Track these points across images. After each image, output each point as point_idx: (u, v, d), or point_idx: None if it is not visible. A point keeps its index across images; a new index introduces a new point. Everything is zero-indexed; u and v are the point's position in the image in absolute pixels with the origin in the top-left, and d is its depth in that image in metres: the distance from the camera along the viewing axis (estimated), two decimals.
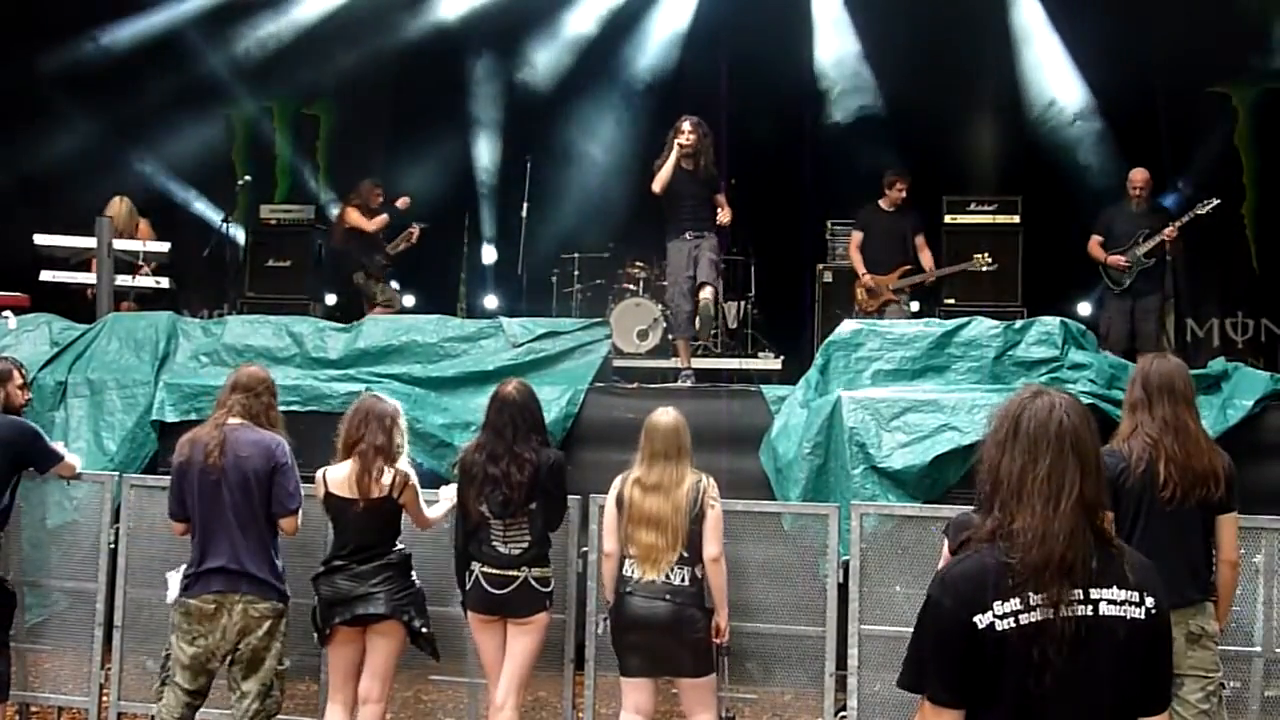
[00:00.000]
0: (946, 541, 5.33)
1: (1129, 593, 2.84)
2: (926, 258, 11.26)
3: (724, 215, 9.73)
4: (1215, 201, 10.29)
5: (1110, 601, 2.83)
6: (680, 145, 9.46)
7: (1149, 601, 2.85)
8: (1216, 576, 5.10)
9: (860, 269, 11.25)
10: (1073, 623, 2.79)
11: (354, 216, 11.97)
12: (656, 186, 9.61)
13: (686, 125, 9.50)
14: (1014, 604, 2.80)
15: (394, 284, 12.41)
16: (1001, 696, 2.82)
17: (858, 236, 11.39)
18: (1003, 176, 13.39)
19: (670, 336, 11.24)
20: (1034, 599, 2.79)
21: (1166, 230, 10.00)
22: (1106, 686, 2.83)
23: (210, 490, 5.74)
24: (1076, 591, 2.80)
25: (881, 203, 11.36)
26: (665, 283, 12.43)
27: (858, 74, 13.36)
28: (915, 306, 12.21)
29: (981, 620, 2.80)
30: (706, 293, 9.59)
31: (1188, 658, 4.96)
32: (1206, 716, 4.98)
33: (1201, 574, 5.05)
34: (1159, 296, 10.37)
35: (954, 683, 2.85)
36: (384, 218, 12.06)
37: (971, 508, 5.35)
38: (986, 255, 11.23)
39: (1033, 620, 2.79)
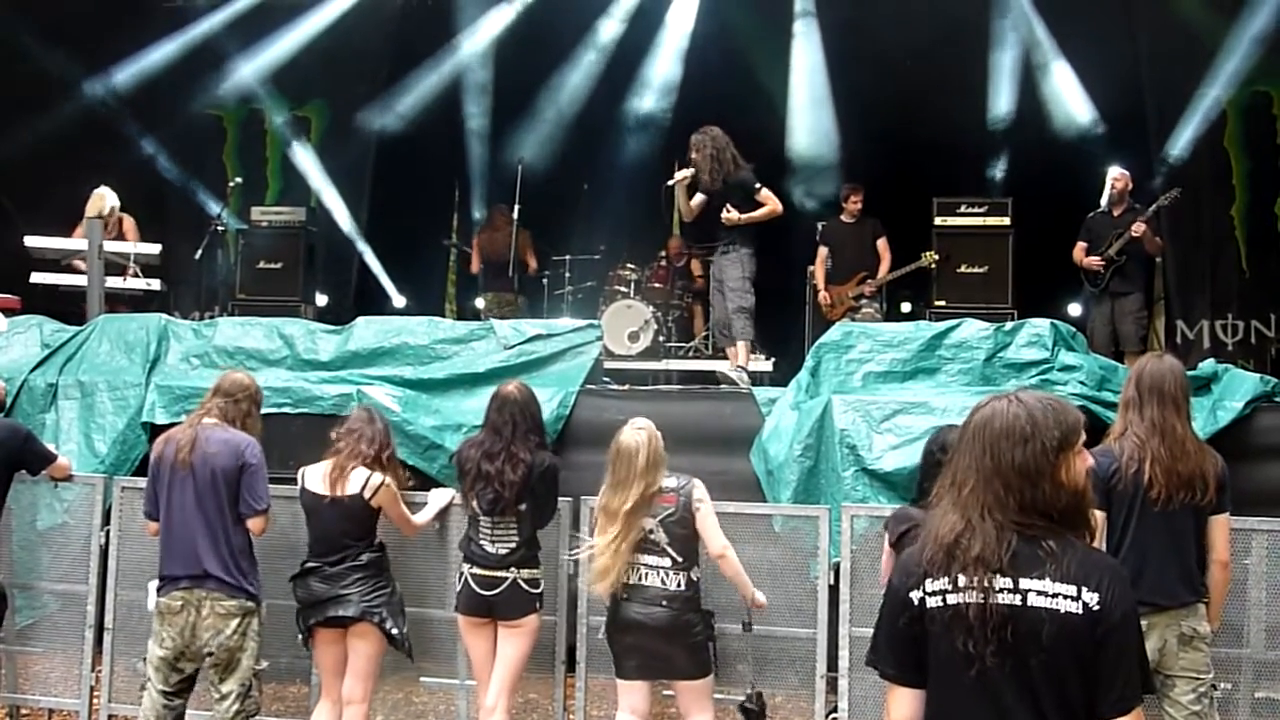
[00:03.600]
0: (887, 535, 5.52)
1: (1064, 586, 2.88)
2: (884, 264, 11.65)
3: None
4: (1176, 191, 10.49)
5: (1040, 593, 2.88)
6: (676, 180, 9.20)
7: (1090, 597, 2.87)
8: (1209, 577, 5.12)
9: (819, 283, 11.76)
10: (993, 609, 2.86)
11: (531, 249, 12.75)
12: (686, 218, 9.51)
13: (693, 142, 9.17)
14: (943, 583, 2.92)
15: None
16: (934, 674, 2.95)
17: (823, 251, 11.88)
18: (994, 178, 13.47)
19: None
20: (961, 580, 2.89)
21: (1134, 225, 10.04)
22: (1039, 678, 2.87)
23: (179, 487, 5.76)
24: (1004, 580, 2.88)
25: (842, 216, 11.91)
26: (656, 284, 12.61)
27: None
28: (907, 308, 12.33)
29: (915, 596, 2.96)
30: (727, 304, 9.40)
31: (1179, 659, 4.99)
32: (1198, 718, 5.00)
33: (1194, 575, 5.07)
34: (1139, 297, 10.42)
35: (897, 657, 3.02)
36: None
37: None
38: (933, 254, 11.65)
39: (957, 601, 2.90)
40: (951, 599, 2.89)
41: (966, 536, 2.91)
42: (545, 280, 13.09)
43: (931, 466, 5.45)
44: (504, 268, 12.40)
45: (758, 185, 9.13)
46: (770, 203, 9.15)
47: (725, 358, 9.88)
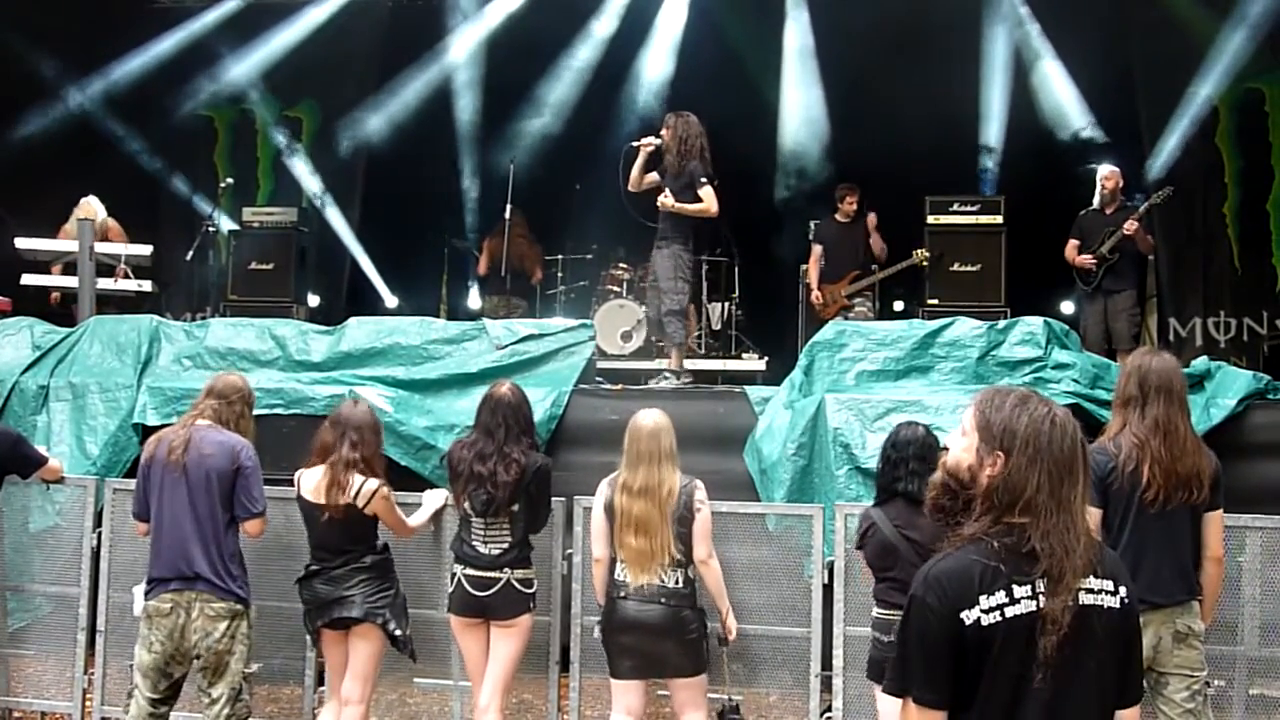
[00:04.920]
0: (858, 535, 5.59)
1: (1104, 582, 2.89)
2: (874, 242, 11.73)
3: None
4: (1169, 190, 10.56)
5: (1088, 590, 2.86)
6: (640, 144, 9.21)
7: (1122, 591, 2.90)
8: (1203, 574, 5.11)
9: (812, 282, 11.78)
10: (1056, 614, 2.81)
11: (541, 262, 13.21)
12: (630, 186, 9.37)
13: (666, 120, 9.23)
14: (999, 597, 2.82)
15: None
16: (986, 693, 2.83)
17: (817, 250, 11.90)
18: (986, 177, 13.48)
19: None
20: (1017, 591, 2.82)
21: (1126, 224, 10.06)
22: (1088, 677, 2.85)
23: (171, 488, 5.71)
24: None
25: (836, 216, 11.91)
26: (645, 284, 12.57)
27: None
28: (900, 306, 12.34)
29: (968, 616, 2.82)
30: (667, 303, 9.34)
31: (1174, 656, 4.97)
32: (1192, 715, 4.98)
33: (1189, 573, 5.06)
34: (1131, 295, 10.43)
35: (940, 682, 2.86)
36: None
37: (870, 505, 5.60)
38: (924, 251, 11.72)
39: (1018, 613, 2.81)
40: (1010, 611, 2.81)
41: (1088, 557, 2.87)
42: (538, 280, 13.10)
43: (886, 464, 5.47)
44: (510, 271, 12.45)
45: (703, 180, 9.01)
46: (706, 200, 9.02)
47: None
